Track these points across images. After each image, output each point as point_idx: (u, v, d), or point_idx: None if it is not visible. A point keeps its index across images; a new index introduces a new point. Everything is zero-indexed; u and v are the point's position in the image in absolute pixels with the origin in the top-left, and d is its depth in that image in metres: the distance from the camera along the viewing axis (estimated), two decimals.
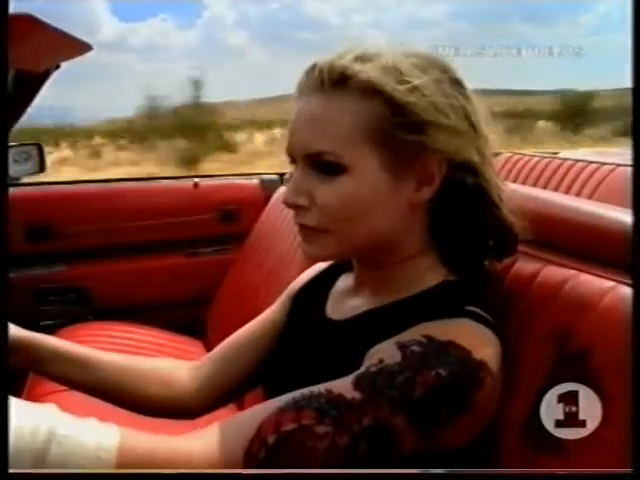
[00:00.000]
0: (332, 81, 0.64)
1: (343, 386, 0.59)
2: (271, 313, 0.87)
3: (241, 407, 1.59)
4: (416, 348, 0.59)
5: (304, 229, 0.69)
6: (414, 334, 0.61)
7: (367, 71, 0.63)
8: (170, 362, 0.89)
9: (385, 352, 0.60)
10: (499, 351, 0.64)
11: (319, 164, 0.65)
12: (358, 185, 0.64)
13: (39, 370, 0.82)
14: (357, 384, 0.58)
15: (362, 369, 0.60)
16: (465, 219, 0.69)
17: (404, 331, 0.62)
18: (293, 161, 0.69)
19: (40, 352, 0.79)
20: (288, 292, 0.87)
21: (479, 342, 0.61)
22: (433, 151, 0.65)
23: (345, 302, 0.76)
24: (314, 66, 0.66)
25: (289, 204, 0.68)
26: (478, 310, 0.64)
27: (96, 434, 0.54)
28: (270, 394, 0.78)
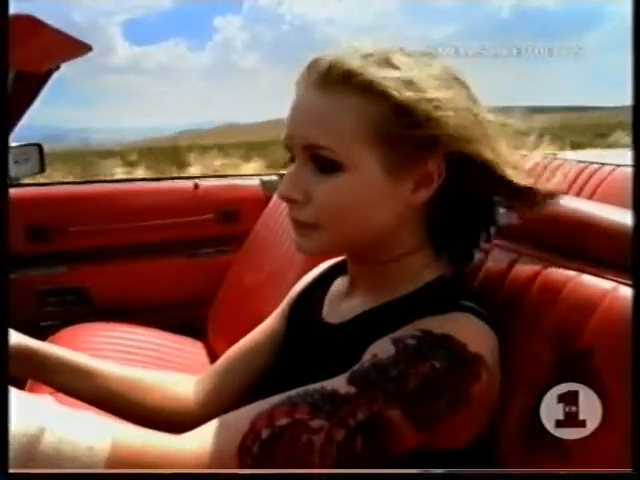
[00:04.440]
0: (335, 78, 0.64)
1: (337, 382, 0.59)
2: (271, 321, 0.86)
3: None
4: (410, 341, 0.59)
5: (297, 224, 0.68)
6: (410, 329, 0.61)
7: (369, 70, 0.63)
8: (175, 376, 0.89)
9: (379, 347, 0.60)
10: (496, 346, 0.64)
11: (316, 158, 0.65)
12: (355, 185, 0.64)
13: (43, 380, 0.81)
14: (351, 379, 0.58)
15: (356, 365, 0.60)
16: (466, 217, 0.69)
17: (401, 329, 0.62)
18: (292, 158, 0.69)
19: (45, 362, 0.78)
20: (287, 299, 0.87)
21: (475, 335, 0.61)
22: (436, 147, 0.64)
23: (341, 304, 0.75)
24: (317, 61, 0.66)
25: (284, 197, 0.67)
26: (475, 305, 0.64)
27: (91, 426, 0.53)
28: None
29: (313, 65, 0.66)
